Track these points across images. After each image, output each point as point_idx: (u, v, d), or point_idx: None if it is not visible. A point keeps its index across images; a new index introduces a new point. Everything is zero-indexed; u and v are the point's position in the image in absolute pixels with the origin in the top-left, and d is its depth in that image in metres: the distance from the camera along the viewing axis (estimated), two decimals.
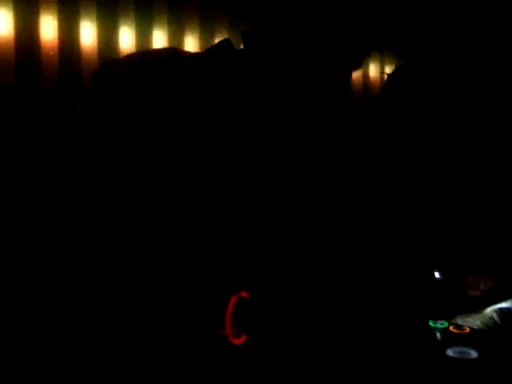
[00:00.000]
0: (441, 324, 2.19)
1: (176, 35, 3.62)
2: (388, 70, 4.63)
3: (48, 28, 2.97)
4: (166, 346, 1.75)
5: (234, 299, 1.59)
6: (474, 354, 1.94)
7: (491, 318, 2.40)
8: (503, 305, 2.52)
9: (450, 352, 1.94)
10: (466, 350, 1.96)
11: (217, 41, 1.91)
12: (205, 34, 3.73)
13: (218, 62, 1.79)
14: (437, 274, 2.66)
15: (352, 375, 1.69)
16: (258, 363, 1.57)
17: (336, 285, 2.14)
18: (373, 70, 4.60)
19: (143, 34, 3.41)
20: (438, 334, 2.11)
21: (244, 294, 1.61)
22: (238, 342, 1.61)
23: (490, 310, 2.47)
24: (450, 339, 2.07)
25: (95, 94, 1.72)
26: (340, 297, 2.13)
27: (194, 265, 1.68)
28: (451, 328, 2.18)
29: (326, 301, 2.01)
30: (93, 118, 1.69)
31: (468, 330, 2.18)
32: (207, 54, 1.85)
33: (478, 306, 2.50)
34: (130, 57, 1.90)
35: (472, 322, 2.38)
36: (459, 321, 2.39)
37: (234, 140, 1.81)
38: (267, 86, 1.80)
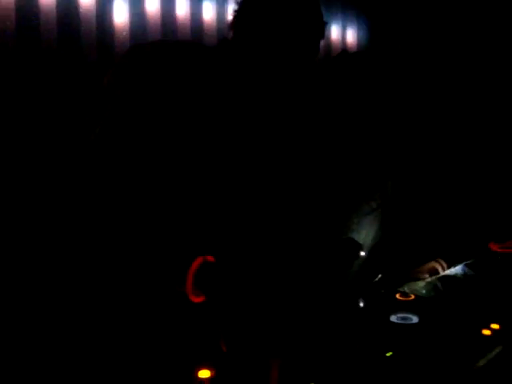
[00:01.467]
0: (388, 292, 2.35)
1: None
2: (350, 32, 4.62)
3: None
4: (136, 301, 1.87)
5: (198, 261, 1.69)
6: (415, 319, 2.09)
7: (436, 285, 2.56)
8: (446, 272, 2.70)
9: (393, 318, 2.09)
10: (408, 315, 2.11)
11: None
12: None
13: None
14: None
15: (298, 334, 1.83)
16: (214, 323, 1.68)
17: (292, 256, 2.27)
18: (335, 31, 4.61)
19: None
20: (384, 302, 2.26)
21: (209, 258, 1.72)
22: (196, 300, 1.71)
23: (434, 278, 2.64)
24: (395, 306, 2.22)
25: (125, 75, 1.84)
26: (295, 267, 2.26)
27: (167, 226, 1.78)
28: (397, 296, 2.34)
29: (282, 271, 2.14)
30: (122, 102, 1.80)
31: (413, 297, 2.34)
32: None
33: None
34: (161, 45, 1.99)
35: (418, 289, 2.54)
36: (407, 289, 2.54)
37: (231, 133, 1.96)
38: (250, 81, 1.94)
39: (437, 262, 2.79)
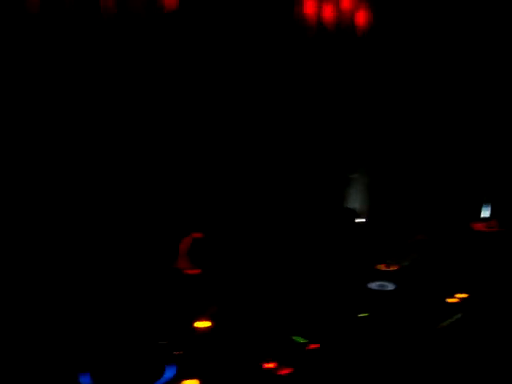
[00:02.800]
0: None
1: None
2: None
3: None
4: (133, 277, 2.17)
5: (187, 239, 2.00)
6: (391, 286, 2.37)
7: (417, 258, 2.82)
8: None
9: (372, 285, 2.37)
10: (385, 283, 2.38)
11: None
12: None
13: None
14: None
15: (284, 307, 2.11)
16: (208, 292, 1.99)
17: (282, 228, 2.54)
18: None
19: None
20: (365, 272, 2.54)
21: (197, 235, 2.03)
22: (191, 272, 2.03)
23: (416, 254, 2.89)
24: (376, 275, 2.49)
25: None
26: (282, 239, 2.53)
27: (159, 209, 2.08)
28: (381, 266, 2.61)
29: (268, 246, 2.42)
30: None
31: (395, 267, 2.61)
32: None
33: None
34: None
35: (402, 261, 2.80)
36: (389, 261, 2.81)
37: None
38: None
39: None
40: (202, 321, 2.03)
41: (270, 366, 1.83)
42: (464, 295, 2.35)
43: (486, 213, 3.13)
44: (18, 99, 2.48)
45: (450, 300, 2.31)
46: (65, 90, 2.57)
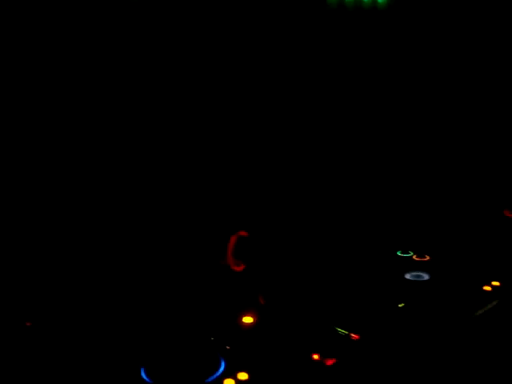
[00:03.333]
0: (407, 254, 2.70)
1: None
2: None
3: None
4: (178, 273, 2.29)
5: (234, 237, 2.13)
6: (426, 276, 2.45)
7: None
8: None
9: (407, 275, 2.45)
10: (421, 273, 2.47)
11: None
12: None
13: None
14: None
15: (326, 300, 2.20)
16: (254, 286, 2.11)
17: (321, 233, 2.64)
18: None
19: None
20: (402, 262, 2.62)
21: (243, 233, 2.16)
22: (238, 269, 2.15)
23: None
24: (411, 265, 2.57)
25: None
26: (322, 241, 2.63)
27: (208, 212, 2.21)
28: (414, 257, 2.69)
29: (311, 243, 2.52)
30: None
31: (428, 258, 2.69)
32: None
33: None
34: None
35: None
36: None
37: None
38: None
39: None
40: (247, 316, 2.14)
41: (316, 357, 1.93)
42: (496, 283, 2.43)
43: None
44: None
45: (485, 288, 2.39)
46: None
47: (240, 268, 2.20)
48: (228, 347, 1.95)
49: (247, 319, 2.13)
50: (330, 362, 1.88)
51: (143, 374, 1.79)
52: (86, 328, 2.04)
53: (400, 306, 2.24)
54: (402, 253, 2.74)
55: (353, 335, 2.03)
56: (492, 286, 2.40)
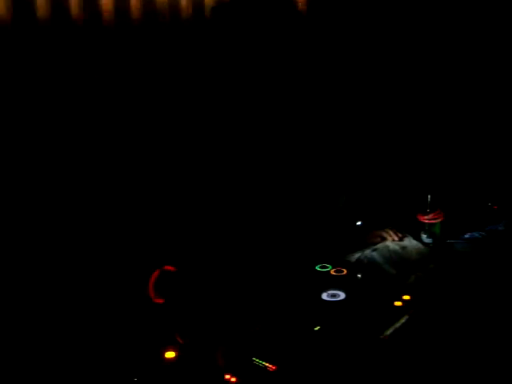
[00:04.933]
0: (324, 268, 2.82)
1: None
2: None
3: None
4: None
5: (157, 271, 2.21)
6: (342, 295, 2.56)
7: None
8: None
9: (324, 295, 2.56)
10: (337, 292, 2.58)
11: None
12: None
13: None
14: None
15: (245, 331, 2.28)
16: (172, 321, 2.17)
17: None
18: None
19: None
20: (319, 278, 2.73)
21: (168, 268, 2.24)
22: (157, 301, 2.23)
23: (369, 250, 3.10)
24: (329, 282, 2.68)
25: None
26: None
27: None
28: (332, 271, 2.81)
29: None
30: None
31: (345, 272, 2.80)
32: None
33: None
34: None
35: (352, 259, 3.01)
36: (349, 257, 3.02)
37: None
38: None
39: (384, 231, 3.24)
40: (169, 351, 2.20)
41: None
42: (407, 297, 2.57)
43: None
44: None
45: (396, 303, 2.52)
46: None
47: (160, 301, 2.28)
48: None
49: (169, 354, 2.19)
50: None
51: None
52: None
53: (316, 329, 2.35)
54: (320, 268, 2.84)
55: (270, 366, 2.13)
56: (403, 301, 2.54)
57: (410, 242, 3.18)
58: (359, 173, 3.51)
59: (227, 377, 2.06)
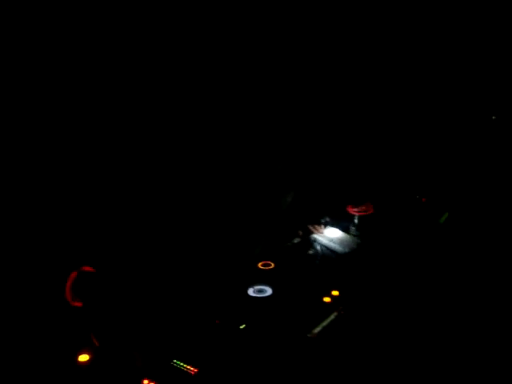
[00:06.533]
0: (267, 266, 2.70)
1: None
2: None
3: None
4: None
5: (75, 273, 2.03)
6: (269, 291, 2.46)
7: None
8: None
9: (250, 291, 2.45)
10: (264, 287, 2.47)
11: None
12: None
13: None
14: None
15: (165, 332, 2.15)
16: (88, 323, 2.01)
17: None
18: None
19: None
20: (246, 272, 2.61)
21: (87, 269, 2.07)
22: (75, 304, 2.06)
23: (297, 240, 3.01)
24: (256, 276, 2.57)
25: None
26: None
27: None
28: (259, 265, 2.70)
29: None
30: None
31: (273, 265, 2.70)
32: None
33: None
34: None
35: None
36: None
37: None
38: None
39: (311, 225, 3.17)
40: (83, 353, 2.05)
41: None
42: (336, 292, 2.49)
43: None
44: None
45: (325, 299, 2.44)
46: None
47: (78, 304, 2.11)
48: None
49: (83, 357, 2.03)
50: None
51: None
52: None
53: (241, 327, 2.24)
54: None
55: (191, 369, 2.00)
56: (332, 297, 2.46)
57: (336, 234, 3.11)
58: (307, 169, 3.44)
59: (145, 382, 1.92)
